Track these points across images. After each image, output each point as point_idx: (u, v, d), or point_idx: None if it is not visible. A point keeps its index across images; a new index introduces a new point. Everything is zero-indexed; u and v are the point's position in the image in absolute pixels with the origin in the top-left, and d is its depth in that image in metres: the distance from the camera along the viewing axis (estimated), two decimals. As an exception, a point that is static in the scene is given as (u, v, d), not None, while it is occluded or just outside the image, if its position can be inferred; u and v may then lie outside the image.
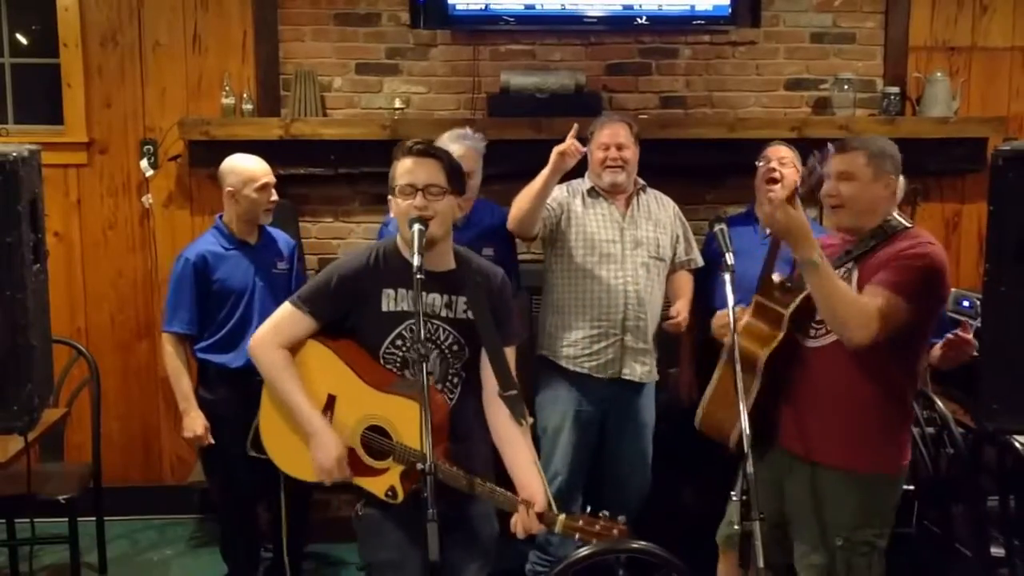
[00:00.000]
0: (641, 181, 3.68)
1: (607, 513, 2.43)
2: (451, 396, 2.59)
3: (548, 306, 3.68)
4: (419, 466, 2.20)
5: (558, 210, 3.58)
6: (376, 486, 2.52)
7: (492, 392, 2.59)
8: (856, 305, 2.51)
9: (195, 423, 3.48)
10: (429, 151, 2.54)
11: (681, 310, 3.61)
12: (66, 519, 3.75)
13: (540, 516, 2.43)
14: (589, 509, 2.45)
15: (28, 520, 3.57)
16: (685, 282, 3.76)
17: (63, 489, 3.74)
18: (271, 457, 2.69)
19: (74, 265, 4.52)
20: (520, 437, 2.56)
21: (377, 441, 2.52)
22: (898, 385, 2.66)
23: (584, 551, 2.47)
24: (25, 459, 3.39)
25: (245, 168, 3.54)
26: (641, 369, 3.62)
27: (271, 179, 3.59)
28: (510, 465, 2.56)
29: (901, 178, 3.18)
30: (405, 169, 2.51)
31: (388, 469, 2.51)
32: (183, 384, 3.48)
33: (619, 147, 3.56)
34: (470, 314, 2.56)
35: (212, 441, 3.48)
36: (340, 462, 2.51)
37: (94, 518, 4.04)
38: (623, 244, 3.58)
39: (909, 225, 2.70)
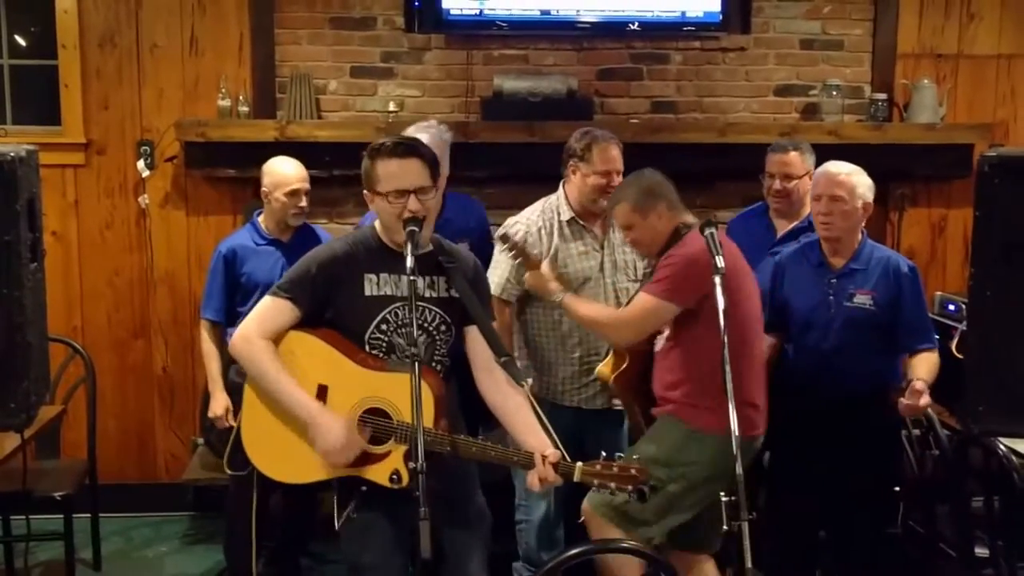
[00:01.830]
0: None
1: (621, 455, 2.45)
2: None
3: (529, 341, 3.54)
4: (411, 465, 2.17)
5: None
6: (378, 474, 2.45)
7: (484, 365, 2.60)
8: (606, 319, 3.15)
9: (217, 404, 3.59)
10: (411, 150, 2.52)
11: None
12: (61, 516, 3.75)
13: (555, 467, 2.43)
14: (604, 455, 2.46)
15: (24, 516, 3.61)
16: None
17: (59, 486, 3.76)
18: (260, 468, 2.58)
19: (71, 264, 4.54)
20: (521, 400, 2.57)
21: (378, 424, 2.46)
22: (698, 367, 2.94)
23: (574, 550, 2.51)
24: (21, 456, 3.42)
25: (278, 171, 3.67)
26: None
27: (302, 186, 3.67)
28: (516, 429, 2.56)
29: None
30: (390, 172, 2.48)
31: (390, 452, 2.45)
32: (212, 367, 3.66)
33: (617, 172, 3.43)
34: (453, 292, 2.58)
35: (233, 423, 3.47)
36: (348, 443, 2.42)
37: (89, 515, 4.05)
38: (603, 272, 3.47)
39: (683, 233, 3.03)
